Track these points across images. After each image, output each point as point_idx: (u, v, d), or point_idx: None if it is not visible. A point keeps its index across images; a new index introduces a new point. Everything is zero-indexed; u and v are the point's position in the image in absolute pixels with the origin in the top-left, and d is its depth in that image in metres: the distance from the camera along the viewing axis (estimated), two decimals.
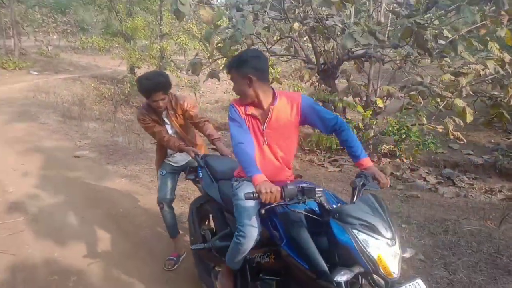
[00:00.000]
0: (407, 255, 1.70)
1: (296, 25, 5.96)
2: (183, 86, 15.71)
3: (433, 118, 7.06)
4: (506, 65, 6.32)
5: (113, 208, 4.14)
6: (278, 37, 7.97)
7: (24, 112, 9.30)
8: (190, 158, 2.98)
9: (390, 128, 6.60)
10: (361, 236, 1.55)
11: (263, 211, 1.81)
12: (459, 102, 6.32)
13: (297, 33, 6.94)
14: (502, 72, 6.04)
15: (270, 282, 2.02)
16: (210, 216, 2.86)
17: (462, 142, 6.69)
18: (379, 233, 1.56)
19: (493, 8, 5.32)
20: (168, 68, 13.07)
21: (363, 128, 7.13)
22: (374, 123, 7.16)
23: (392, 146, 6.93)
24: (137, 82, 2.84)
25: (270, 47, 7.73)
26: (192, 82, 14.23)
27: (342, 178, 5.55)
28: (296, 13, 6.20)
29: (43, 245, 3.37)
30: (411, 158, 6.98)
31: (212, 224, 2.85)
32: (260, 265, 2.10)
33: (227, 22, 6.92)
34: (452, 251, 3.07)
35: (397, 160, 6.69)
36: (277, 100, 2.05)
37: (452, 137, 6.37)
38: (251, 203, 1.87)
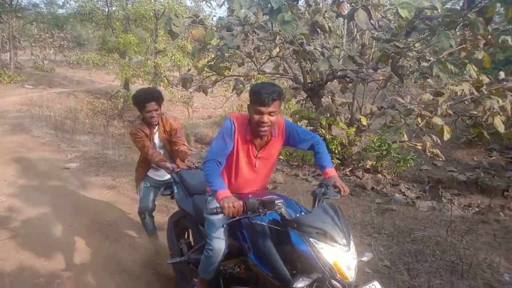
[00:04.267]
0: (365, 259, 1.84)
1: (275, 51, 6.27)
2: (176, 101, 15.97)
3: (413, 135, 7.34)
4: (483, 86, 6.64)
5: (100, 217, 4.30)
6: (268, 57, 8.31)
7: (17, 124, 9.45)
8: None
9: (372, 145, 6.85)
10: (318, 244, 1.66)
11: (224, 225, 1.93)
12: (438, 121, 6.59)
13: (282, 54, 7.24)
14: (476, 93, 6.33)
15: None
16: (190, 230, 2.91)
17: (441, 159, 6.95)
18: (335, 240, 1.66)
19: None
20: (161, 84, 13.36)
21: (347, 144, 7.39)
22: (358, 140, 7.42)
23: (374, 162, 7.17)
24: (133, 97, 3.13)
25: (260, 66, 8.04)
26: (185, 98, 14.49)
27: None
28: (277, 39, 6.46)
29: (30, 251, 3.51)
30: (392, 174, 7.22)
31: (191, 238, 2.93)
32: (232, 276, 2.18)
33: (217, 41, 7.20)
34: (417, 258, 3.27)
35: (379, 175, 6.92)
36: (276, 132, 2.18)
37: (429, 154, 6.62)
38: (218, 217, 1.96)
